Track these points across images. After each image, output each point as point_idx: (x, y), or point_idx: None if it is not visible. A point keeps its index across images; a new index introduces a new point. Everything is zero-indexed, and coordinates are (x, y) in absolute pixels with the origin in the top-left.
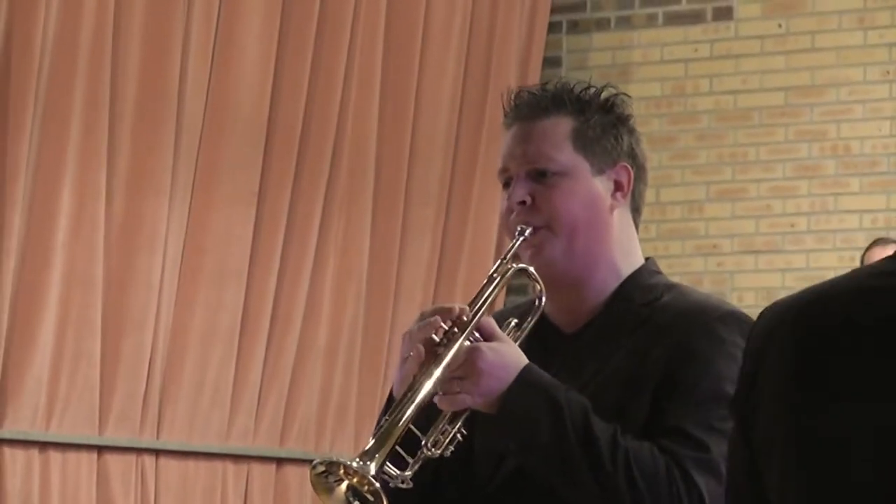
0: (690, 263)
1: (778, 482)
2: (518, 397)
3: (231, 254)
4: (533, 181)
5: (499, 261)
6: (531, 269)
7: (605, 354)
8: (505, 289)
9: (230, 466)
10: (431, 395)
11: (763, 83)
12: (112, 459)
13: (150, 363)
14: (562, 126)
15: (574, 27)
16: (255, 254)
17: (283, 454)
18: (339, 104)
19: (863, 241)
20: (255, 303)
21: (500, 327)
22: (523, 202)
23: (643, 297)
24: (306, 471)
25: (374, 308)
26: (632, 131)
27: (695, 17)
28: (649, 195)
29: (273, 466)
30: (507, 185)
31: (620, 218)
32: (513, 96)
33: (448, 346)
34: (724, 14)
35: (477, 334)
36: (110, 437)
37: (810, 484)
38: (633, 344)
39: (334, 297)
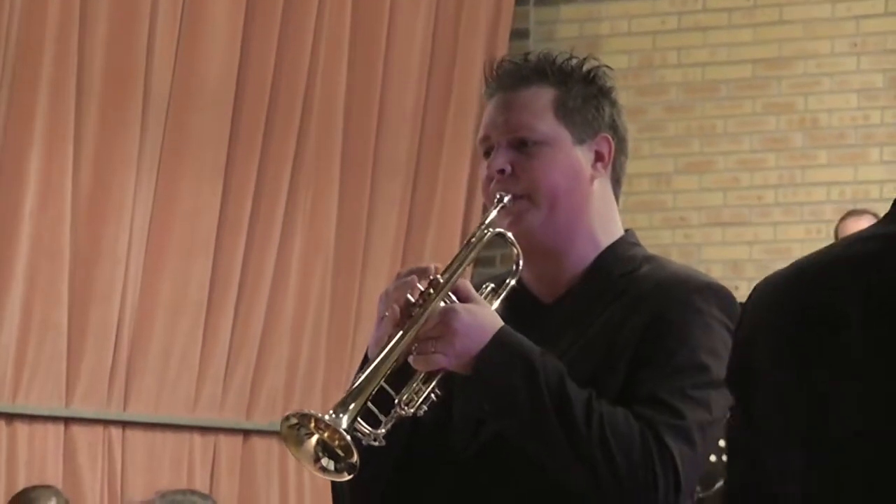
0: (658, 236)
1: (778, 462)
2: (493, 358)
3: (198, 226)
4: (514, 150)
5: (478, 226)
6: (508, 234)
7: (582, 324)
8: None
9: (197, 438)
10: (406, 354)
11: (731, 56)
12: (79, 431)
13: (117, 335)
14: (543, 96)
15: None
16: (222, 225)
17: (250, 426)
18: (307, 77)
19: (830, 213)
20: (223, 275)
21: (477, 292)
22: (503, 171)
23: (621, 267)
24: (273, 442)
25: (341, 280)
26: (613, 103)
27: None
28: None
29: (240, 438)
30: (487, 153)
31: (601, 189)
32: (495, 66)
33: (423, 307)
34: None
35: (453, 296)
36: (77, 409)
37: (811, 461)
38: (610, 314)
39: (302, 269)
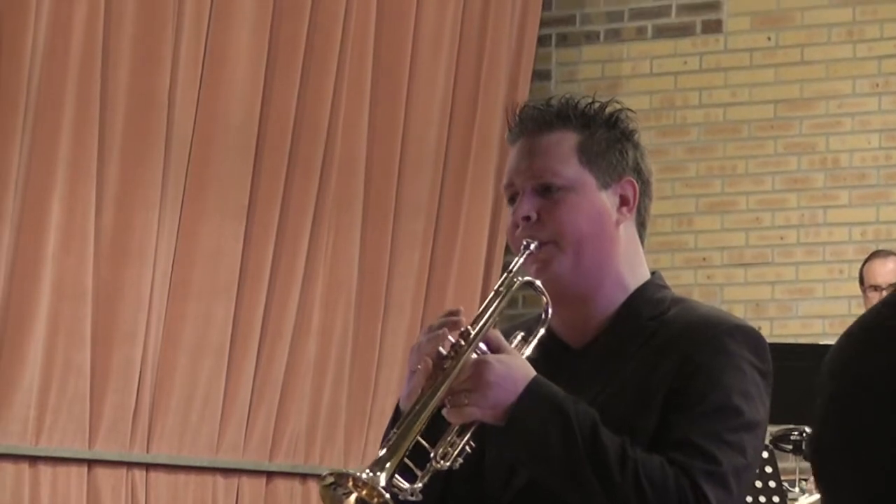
0: (680, 276)
1: None
2: (527, 409)
3: (221, 267)
4: (539, 196)
5: (504, 274)
6: (537, 282)
7: (612, 369)
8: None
9: (220, 480)
10: (439, 407)
11: (752, 96)
12: (102, 473)
13: (139, 376)
14: (567, 141)
15: (563, 40)
16: (244, 267)
17: (272, 468)
18: (329, 118)
19: (852, 253)
20: (245, 316)
21: (507, 340)
22: (528, 217)
23: (650, 311)
24: (296, 484)
25: (363, 321)
26: (637, 146)
27: (684, 30)
28: None
29: (263, 480)
30: (512, 200)
31: (626, 232)
32: (517, 111)
33: (455, 359)
34: (714, 27)
35: (483, 347)
36: (100, 451)
37: None
38: (640, 358)
39: (324, 311)
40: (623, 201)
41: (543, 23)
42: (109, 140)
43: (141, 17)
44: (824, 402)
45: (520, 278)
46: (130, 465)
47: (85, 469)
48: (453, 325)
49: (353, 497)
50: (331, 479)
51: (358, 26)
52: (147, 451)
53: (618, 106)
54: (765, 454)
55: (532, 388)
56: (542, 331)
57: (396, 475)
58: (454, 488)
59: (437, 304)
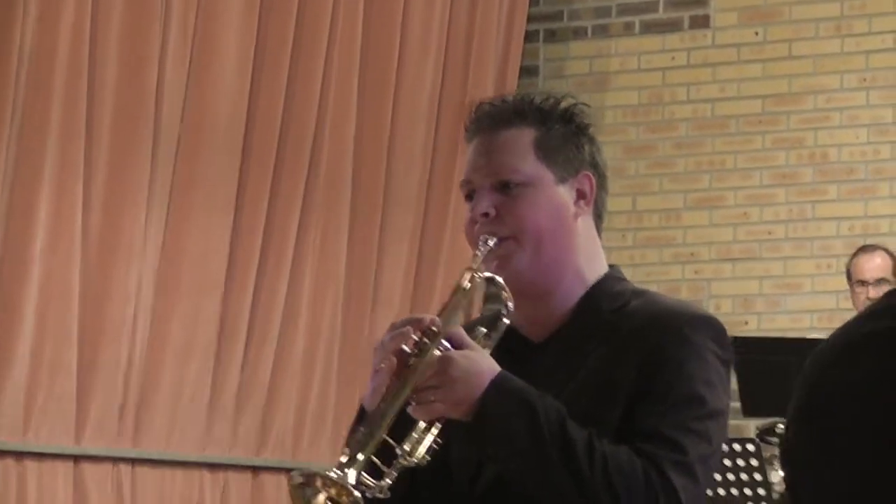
0: (668, 271)
1: None
2: (493, 404)
3: (208, 263)
4: (497, 192)
5: (464, 271)
6: (498, 277)
7: (574, 363)
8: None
9: (207, 475)
10: (405, 404)
11: (740, 91)
12: (89, 469)
13: (126, 373)
14: (524, 137)
15: (551, 36)
16: (232, 263)
17: (260, 463)
18: (317, 114)
19: (840, 248)
20: (233, 312)
21: (469, 336)
22: (487, 214)
23: (611, 303)
24: (283, 479)
25: (351, 316)
26: (592, 140)
27: (672, 26)
28: (626, 203)
29: (250, 475)
30: (469, 196)
31: (584, 226)
32: (474, 109)
33: (420, 356)
34: (702, 22)
35: (447, 343)
36: (87, 447)
37: None
38: (603, 351)
39: (312, 306)
40: (580, 195)
41: (531, 18)
42: (97, 138)
43: (128, 15)
44: (799, 407)
45: (481, 275)
46: (117, 460)
47: (72, 465)
48: (416, 323)
49: (322, 496)
50: (300, 479)
51: (345, 23)
52: (134, 447)
53: (572, 101)
54: (751, 447)
55: (497, 382)
56: (504, 326)
57: (364, 473)
58: (421, 485)
59: (426, 298)
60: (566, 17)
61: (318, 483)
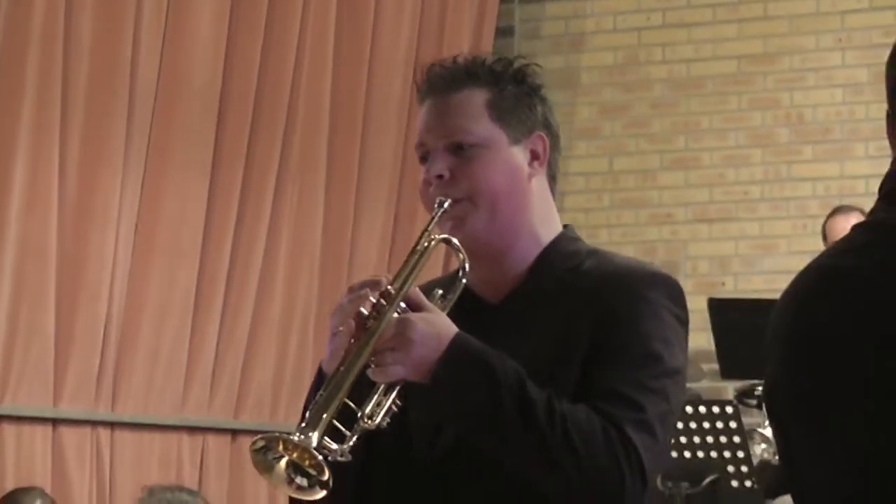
0: (644, 232)
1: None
2: (452, 365)
3: (185, 227)
4: (451, 154)
5: (421, 233)
6: (454, 239)
7: (531, 322)
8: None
9: (185, 438)
10: (365, 367)
11: (716, 52)
12: (67, 432)
13: (104, 336)
14: (477, 98)
15: None
16: (208, 227)
17: (238, 426)
18: (292, 77)
19: (816, 208)
20: (210, 275)
21: (427, 298)
22: (442, 175)
23: (565, 263)
24: None
25: (328, 280)
26: (544, 100)
27: None
28: (602, 164)
29: (228, 438)
30: (424, 159)
31: (539, 187)
32: (426, 70)
33: (378, 319)
34: None
35: (404, 306)
36: (65, 410)
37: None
38: (558, 310)
39: (288, 270)
40: (534, 156)
41: None
42: (72, 101)
43: None
44: (780, 349)
45: (436, 236)
46: (95, 423)
47: (50, 428)
48: (374, 286)
49: (284, 460)
50: (262, 444)
51: None
52: (112, 411)
53: (524, 61)
54: (729, 409)
55: (456, 344)
56: (461, 287)
57: (325, 436)
58: (379, 449)
59: (401, 261)
60: None
61: (280, 447)
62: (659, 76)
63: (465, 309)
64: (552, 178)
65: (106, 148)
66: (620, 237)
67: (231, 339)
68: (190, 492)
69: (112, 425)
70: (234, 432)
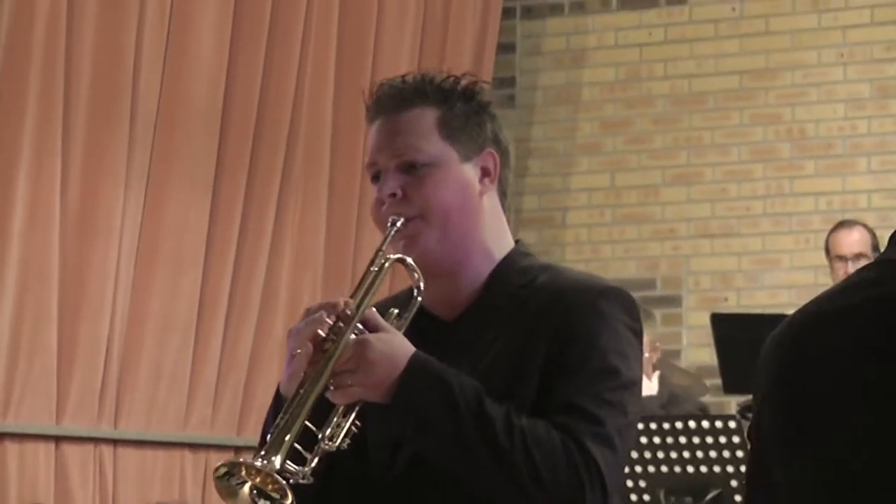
0: (647, 248)
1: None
2: (410, 385)
3: (187, 241)
4: (403, 173)
5: (375, 253)
6: (408, 259)
7: (486, 339)
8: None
9: (188, 455)
10: (324, 389)
11: (718, 67)
12: (70, 449)
13: (107, 352)
14: (427, 116)
15: (528, 12)
16: (211, 241)
17: (240, 442)
18: (294, 91)
19: (818, 223)
20: (212, 291)
21: (383, 318)
22: (394, 194)
23: (519, 279)
24: None
25: (331, 292)
26: (493, 117)
27: (649, 2)
28: (604, 180)
29: (231, 454)
30: (375, 178)
31: (490, 203)
32: (375, 90)
33: (336, 341)
34: None
35: (361, 327)
36: (68, 427)
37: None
38: (514, 326)
39: (291, 285)
40: (485, 173)
41: None
42: (74, 115)
43: None
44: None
45: (390, 256)
46: (98, 440)
47: (53, 445)
48: (330, 308)
49: (248, 485)
50: (224, 470)
51: (322, 0)
52: (115, 427)
53: (472, 78)
54: (732, 424)
55: (413, 363)
56: (416, 306)
57: (287, 460)
58: (339, 470)
59: (403, 275)
60: None
61: (243, 472)
62: (661, 92)
63: (421, 327)
64: (503, 195)
65: (108, 161)
66: (623, 253)
67: (234, 354)
68: None
69: (115, 442)
70: (237, 449)
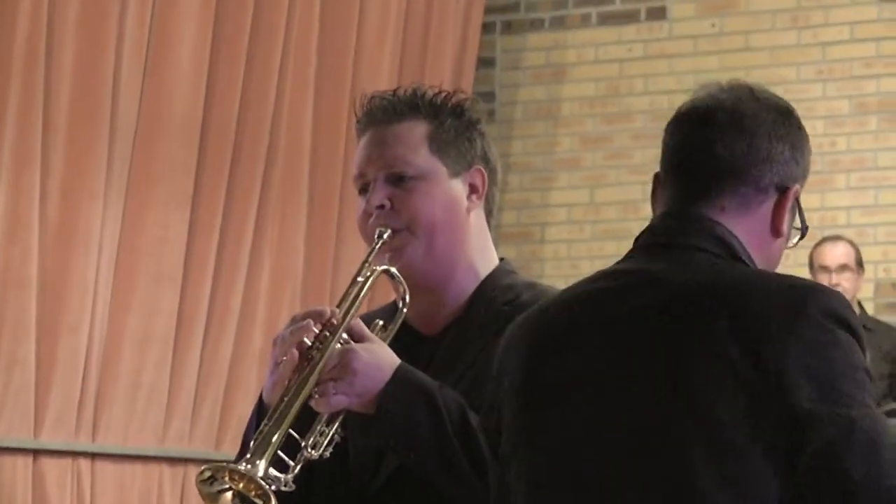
0: None
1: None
2: (395, 395)
3: (166, 256)
4: (391, 185)
5: (361, 264)
6: (394, 270)
7: (468, 356)
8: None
9: (166, 469)
10: (308, 397)
11: (697, 83)
12: (48, 463)
13: (85, 366)
14: (417, 130)
15: (508, 28)
16: (189, 256)
17: (218, 457)
18: (273, 106)
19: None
20: (191, 305)
21: (368, 329)
22: (382, 206)
23: (503, 296)
24: None
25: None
26: (483, 134)
27: (628, 17)
28: (584, 195)
29: None
30: (363, 190)
31: (476, 220)
32: (365, 102)
33: (321, 350)
34: (658, 14)
35: (346, 336)
36: (46, 441)
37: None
38: (497, 343)
39: (269, 300)
40: (473, 189)
41: (488, 10)
42: (53, 128)
43: (85, 5)
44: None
45: (377, 267)
46: (76, 454)
47: (30, 459)
48: (317, 316)
49: (231, 491)
50: (208, 474)
51: (302, 14)
52: (93, 441)
53: (463, 95)
54: None
55: (398, 374)
56: (401, 317)
57: (271, 466)
58: (321, 479)
59: (383, 292)
60: (523, 8)
61: (227, 477)
62: (640, 107)
63: (403, 342)
64: (489, 213)
65: (87, 176)
66: (602, 268)
67: (212, 369)
68: None
69: (93, 456)
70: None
